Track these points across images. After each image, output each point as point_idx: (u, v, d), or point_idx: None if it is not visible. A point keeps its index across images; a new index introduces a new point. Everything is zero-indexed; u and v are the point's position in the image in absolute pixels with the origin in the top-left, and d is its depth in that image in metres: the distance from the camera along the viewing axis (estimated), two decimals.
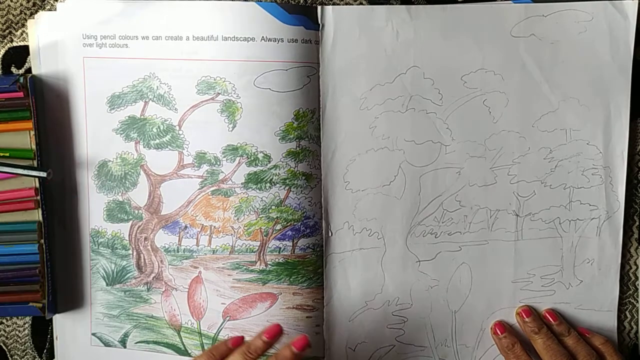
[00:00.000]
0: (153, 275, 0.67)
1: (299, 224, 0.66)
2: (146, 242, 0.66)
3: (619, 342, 0.68)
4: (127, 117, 0.65)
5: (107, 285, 0.67)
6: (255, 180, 0.65)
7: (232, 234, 0.65)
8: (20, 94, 0.62)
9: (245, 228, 0.65)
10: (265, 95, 0.64)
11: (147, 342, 0.68)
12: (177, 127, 0.64)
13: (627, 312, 0.68)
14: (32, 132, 0.63)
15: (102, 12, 0.63)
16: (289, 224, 0.65)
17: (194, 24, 0.63)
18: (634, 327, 0.68)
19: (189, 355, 0.67)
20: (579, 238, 0.67)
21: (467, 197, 0.66)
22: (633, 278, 0.68)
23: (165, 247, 0.66)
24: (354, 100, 0.65)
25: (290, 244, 0.66)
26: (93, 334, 0.68)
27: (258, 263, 0.66)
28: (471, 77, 0.65)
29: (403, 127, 0.65)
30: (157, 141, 0.65)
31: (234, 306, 0.66)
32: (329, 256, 0.67)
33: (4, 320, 0.69)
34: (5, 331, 0.69)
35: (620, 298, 0.68)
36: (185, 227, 0.66)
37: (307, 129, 0.65)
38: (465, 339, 0.68)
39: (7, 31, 0.65)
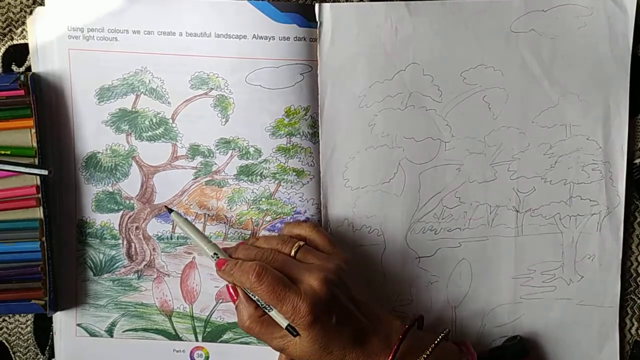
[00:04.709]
0: (144, 263, 0.68)
1: (289, 217, 0.66)
2: (137, 231, 0.67)
3: (620, 338, 0.68)
4: (117, 110, 0.65)
5: (94, 275, 0.68)
6: (246, 172, 0.66)
7: (225, 222, 0.67)
8: (21, 92, 0.62)
9: (237, 217, 0.66)
10: (257, 92, 0.64)
11: (136, 329, 0.68)
12: (171, 120, 0.65)
13: (628, 309, 0.68)
14: (33, 130, 0.63)
15: (90, 6, 0.64)
16: (278, 216, 0.66)
17: (187, 20, 0.63)
18: (636, 323, 0.68)
19: (179, 339, 0.68)
20: (579, 234, 0.67)
21: (466, 194, 0.66)
22: (635, 274, 0.68)
23: (158, 235, 0.67)
24: (353, 98, 0.65)
25: None
26: (78, 325, 0.68)
27: None
28: (471, 73, 0.65)
29: (402, 124, 0.65)
30: (150, 133, 0.65)
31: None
32: None
33: (7, 318, 0.69)
34: (7, 328, 0.70)
35: (622, 294, 0.68)
36: (180, 215, 0.66)
37: (298, 126, 0.65)
38: (465, 335, 0.68)
39: (8, 29, 0.65)
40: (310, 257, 0.60)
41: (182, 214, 0.65)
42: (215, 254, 0.61)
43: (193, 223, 0.65)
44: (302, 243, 0.61)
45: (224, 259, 0.60)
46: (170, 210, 0.64)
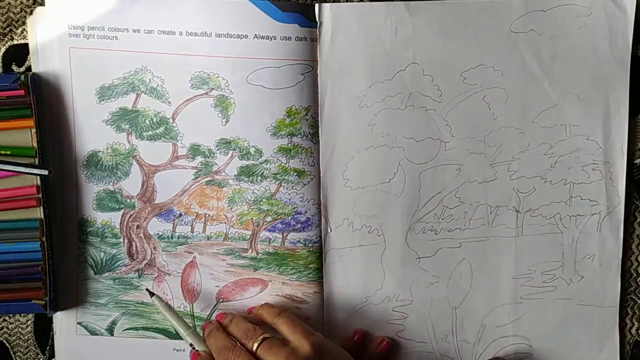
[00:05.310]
0: (145, 262, 0.68)
1: (290, 218, 0.67)
2: (138, 230, 0.67)
3: (620, 338, 0.68)
4: (118, 109, 0.65)
5: (95, 274, 0.68)
6: (247, 173, 0.66)
7: (225, 222, 0.67)
8: (21, 92, 0.62)
9: (238, 217, 0.67)
10: (258, 92, 0.64)
11: (136, 328, 0.69)
12: (171, 120, 0.65)
13: (628, 309, 0.68)
14: (33, 130, 0.63)
15: (91, 5, 0.64)
16: (279, 217, 0.67)
17: (187, 19, 0.63)
18: (636, 323, 0.68)
19: (180, 338, 0.68)
20: (579, 234, 0.67)
21: (467, 194, 0.66)
22: (635, 274, 0.68)
23: (159, 234, 0.67)
24: (352, 98, 0.65)
25: (280, 236, 0.67)
26: (79, 323, 0.69)
27: (250, 251, 0.67)
28: (471, 73, 0.65)
29: (402, 124, 0.66)
30: (150, 133, 0.66)
31: (227, 288, 0.68)
32: (329, 252, 0.67)
33: (7, 318, 0.69)
34: (8, 328, 0.70)
35: (622, 294, 0.68)
36: (180, 214, 0.67)
37: (299, 126, 0.65)
38: (466, 335, 0.68)
39: (8, 29, 0.65)
40: (270, 356, 0.60)
41: (164, 298, 0.67)
42: (191, 344, 0.64)
43: (173, 308, 0.66)
44: (267, 335, 0.61)
45: (195, 353, 0.63)
46: (152, 294, 0.65)
